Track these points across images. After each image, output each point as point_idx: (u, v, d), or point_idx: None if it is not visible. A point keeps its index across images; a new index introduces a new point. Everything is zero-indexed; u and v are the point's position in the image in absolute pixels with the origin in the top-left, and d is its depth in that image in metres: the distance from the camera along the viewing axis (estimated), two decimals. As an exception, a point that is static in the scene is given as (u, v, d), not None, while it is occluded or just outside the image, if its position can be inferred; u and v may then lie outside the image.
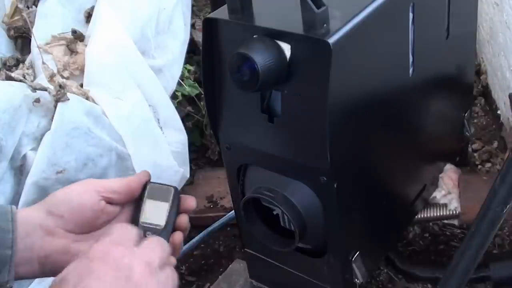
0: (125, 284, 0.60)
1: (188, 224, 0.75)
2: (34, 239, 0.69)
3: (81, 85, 1.09)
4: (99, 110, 1.04)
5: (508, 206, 0.85)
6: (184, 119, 1.31)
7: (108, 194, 0.71)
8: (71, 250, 0.70)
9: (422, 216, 1.19)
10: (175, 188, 0.75)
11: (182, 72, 1.32)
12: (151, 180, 0.76)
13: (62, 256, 0.69)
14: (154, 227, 0.72)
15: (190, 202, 0.76)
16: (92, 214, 0.71)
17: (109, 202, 0.72)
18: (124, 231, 0.67)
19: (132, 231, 0.67)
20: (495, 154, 1.45)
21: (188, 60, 1.40)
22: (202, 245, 1.32)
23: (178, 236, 0.73)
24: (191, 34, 1.36)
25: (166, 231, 0.72)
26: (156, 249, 0.66)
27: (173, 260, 0.69)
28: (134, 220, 0.73)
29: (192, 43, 1.43)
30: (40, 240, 0.69)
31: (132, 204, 0.74)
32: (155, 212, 0.73)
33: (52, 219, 0.70)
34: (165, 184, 0.76)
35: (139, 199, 0.74)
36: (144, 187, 0.75)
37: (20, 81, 1.05)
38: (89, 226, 0.71)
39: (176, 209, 0.74)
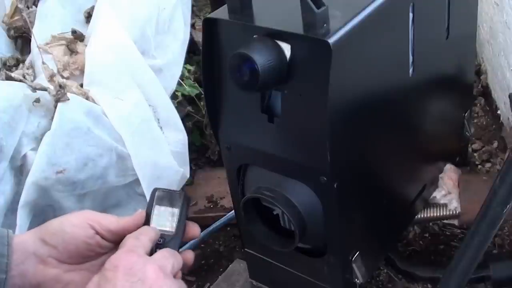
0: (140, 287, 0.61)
1: (198, 233, 0.75)
2: (27, 266, 0.68)
3: (81, 85, 1.09)
4: (99, 110, 1.04)
5: (508, 206, 0.85)
6: (184, 119, 1.31)
7: (102, 231, 0.71)
8: (63, 280, 0.70)
9: (422, 216, 1.19)
10: (183, 193, 0.75)
11: (182, 72, 1.31)
12: (158, 187, 0.76)
13: (54, 285, 0.69)
14: (165, 233, 0.72)
15: (194, 231, 0.76)
16: (86, 247, 0.70)
17: (104, 238, 0.71)
18: (135, 241, 0.67)
19: (143, 240, 0.67)
20: (495, 154, 1.45)
21: (188, 60, 1.40)
22: (202, 245, 1.32)
23: (190, 254, 0.73)
24: (191, 34, 1.36)
25: (177, 237, 0.72)
26: (170, 257, 0.66)
27: (180, 274, 0.70)
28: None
29: (192, 43, 1.43)
30: (33, 268, 0.68)
31: None
32: (165, 218, 0.73)
33: (46, 249, 0.69)
34: (172, 190, 0.75)
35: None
36: (153, 193, 0.74)
37: (20, 81, 1.05)
38: (82, 258, 0.71)
39: (185, 214, 0.74)
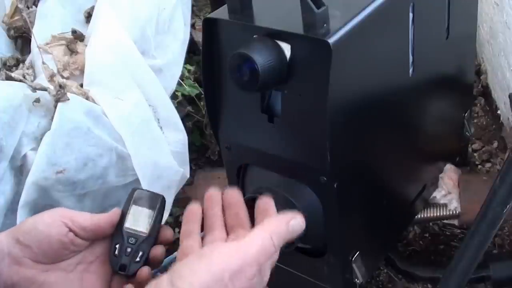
0: None
1: (171, 239, 0.74)
2: (2, 267, 0.67)
3: (81, 85, 1.08)
4: (99, 110, 1.04)
5: (508, 206, 0.85)
6: (184, 119, 1.31)
7: (75, 229, 0.69)
8: (38, 280, 0.68)
9: (422, 216, 1.19)
10: (162, 197, 0.74)
11: (182, 72, 1.31)
12: (138, 187, 0.75)
13: (29, 285, 0.68)
14: (138, 233, 0.72)
15: (167, 234, 0.74)
16: (60, 246, 0.69)
17: (77, 235, 0.70)
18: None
19: None
20: (495, 154, 1.45)
21: (188, 60, 1.40)
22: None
23: (160, 249, 0.72)
24: (191, 34, 1.36)
25: (149, 239, 0.72)
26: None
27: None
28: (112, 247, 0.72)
29: (192, 43, 1.43)
30: (8, 268, 0.67)
31: (103, 239, 0.73)
32: (140, 219, 0.73)
33: (20, 248, 0.68)
34: (152, 192, 0.75)
35: (112, 237, 0.72)
36: (131, 193, 0.74)
37: (20, 81, 1.05)
38: (57, 257, 0.70)
39: (161, 218, 0.73)
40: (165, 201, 0.74)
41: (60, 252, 0.69)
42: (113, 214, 0.72)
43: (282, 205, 0.85)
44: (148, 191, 0.75)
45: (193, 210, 0.71)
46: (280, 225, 0.65)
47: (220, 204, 0.72)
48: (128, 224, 0.72)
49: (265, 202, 0.69)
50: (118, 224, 0.72)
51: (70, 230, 0.69)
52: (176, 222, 1.36)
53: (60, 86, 1.00)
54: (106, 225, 0.71)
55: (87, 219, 0.70)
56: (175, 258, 0.68)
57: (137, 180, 1.09)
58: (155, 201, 0.73)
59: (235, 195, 0.72)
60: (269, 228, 0.64)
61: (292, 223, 0.65)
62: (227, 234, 0.69)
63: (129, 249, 0.71)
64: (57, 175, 0.98)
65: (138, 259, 0.71)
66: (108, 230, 0.72)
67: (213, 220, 0.70)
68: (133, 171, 1.07)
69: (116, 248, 0.71)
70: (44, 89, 1.00)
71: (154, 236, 0.72)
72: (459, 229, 1.27)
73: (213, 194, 0.72)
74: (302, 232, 0.66)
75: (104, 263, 0.72)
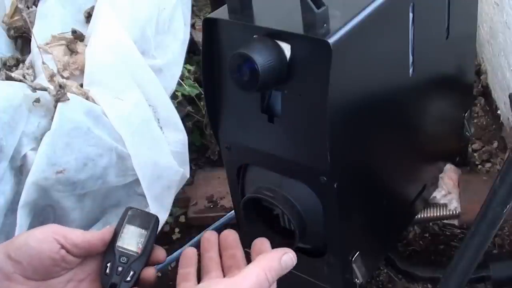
0: None
1: (163, 259, 0.74)
2: None
3: (81, 85, 1.08)
4: (99, 110, 1.04)
5: (508, 206, 0.85)
6: (184, 119, 1.31)
7: (67, 245, 0.69)
8: None
9: (422, 216, 1.19)
10: (156, 217, 0.74)
11: (182, 72, 1.31)
12: (132, 206, 0.75)
13: None
14: (130, 253, 0.71)
15: (160, 254, 0.74)
16: (51, 262, 0.69)
17: (69, 252, 0.70)
18: None
19: None
20: (495, 154, 1.45)
21: (188, 60, 1.40)
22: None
23: (152, 271, 0.72)
24: (191, 34, 1.36)
25: (141, 259, 0.71)
26: None
27: None
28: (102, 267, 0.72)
29: (192, 43, 1.43)
30: None
31: (95, 256, 0.73)
32: (133, 238, 0.72)
33: (11, 264, 0.68)
34: (146, 212, 0.75)
35: (104, 256, 0.72)
36: (125, 211, 0.74)
37: (20, 81, 1.05)
38: (48, 274, 0.69)
39: (154, 238, 0.73)
40: (158, 221, 0.74)
41: (51, 269, 0.69)
42: (106, 232, 0.72)
43: (282, 205, 0.85)
44: (142, 210, 0.74)
45: (188, 254, 0.73)
46: (273, 260, 0.68)
47: (217, 246, 0.74)
48: (121, 243, 0.72)
49: (261, 243, 0.73)
50: (110, 242, 0.72)
51: (62, 247, 0.69)
52: (176, 222, 1.36)
53: (60, 86, 1.00)
54: (98, 242, 0.71)
55: (79, 236, 0.70)
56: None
57: (137, 180, 1.09)
58: (149, 221, 0.73)
59: (231, 236, 0.74)
60: (263, 264, 0.67)
61: (284, 258, 0.70)
62: (224, 275, 0.71)
63: (120, 268, 0.70)
64: (57, 175, 0.98)
65: (129, 278, 0.70)
66: (100, 247, 0.72)
67: (210, 262, 0.72)
68: (133, 171, 1.07)
69: (107, 266, 0.71)
70: (44, 89, 1.00)
71: (146, 256, 0.72)
72: (459, 229, 1.27)
73: (210, 236, 0.74)
74: (293, 266, 0.71)
75: (94, 281, 0.72)
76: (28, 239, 0.69)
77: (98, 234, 0.72)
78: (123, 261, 0.70)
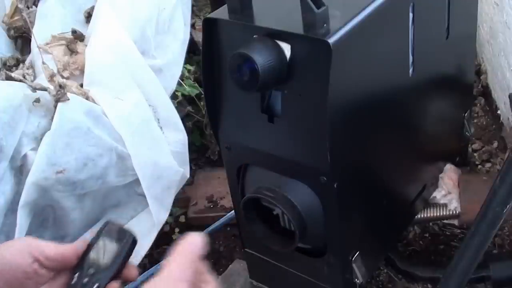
0: None
1: (134, 278, 0.74)
2: None
3: (81, 85, 1.09)
4: (99, 110, 1.04)
5: (508, 206, 0.85)
6: (184, 119, 1.31)
7: (41, 258, 0.69)
8: None
9: (422, 216, 1.19)
10: (132, 235, 0.74)
11: (182, 72, 1.32)
12: (111, 220, 0.75)
13: None
14: (98, 265, 0.71)
15: (132, 272, 0.73)
16: (23, 275, 0.68)
17: (42, 265, 0.69)
18: None
19: None
20: (495, 154, 1.45)
21: (188, 60, 1.40)
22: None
23: (116, 284, 0.70)
24: (191, 34, 1.36)
25: (108, 273, 0.71)
26: None
27: None
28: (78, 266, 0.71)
29: (192, 43, 1.43)
30: None
31: (69, 270, 0.72)
32: (105, 251, 0.72)
33: None
34: (124, 228, 0.74)
35: (75, 267, 0.71)
36: (104, 224, 0.74)
37: (20, 81, 1.05)
38: (20, 287, 0.69)
39: (125, 255, 0.73)
40: (136, 240, 0.73)
41: (24, 282, 0.69)
42: (79, 244, 0.72)
43: (282, 205, 0.85)
44: (120, 226, 0.74)
45: None
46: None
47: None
48: (92, 255, 0.72)
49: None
50: (83, 254, 0.72)
51: (36, 259, 0.68)
52: (176, 222, 1.36)
53: (60, 86, 1.00)
54: (71, 255, 0.71)
55: (52, 249, 0.70)
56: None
57: (137, 180, 1.09)
58: (125, 237, 0.73)
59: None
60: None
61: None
62: None
63: (85, 280, 0.70)
64: (57, 175, 0.98)
65: None
66: (74, 260, 0.71)
67: None
68: (133, 171, 1.07)
69: (74, 277, 0.71)
70: (44, 89, 1.00)
71: (113, 270, 0.71)
72: (459, 229, 1.27)
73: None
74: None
75: None
76: (3, 251, 0.69)
77: (71, 247, 0.72)
78: (90, 273, 0.70)
